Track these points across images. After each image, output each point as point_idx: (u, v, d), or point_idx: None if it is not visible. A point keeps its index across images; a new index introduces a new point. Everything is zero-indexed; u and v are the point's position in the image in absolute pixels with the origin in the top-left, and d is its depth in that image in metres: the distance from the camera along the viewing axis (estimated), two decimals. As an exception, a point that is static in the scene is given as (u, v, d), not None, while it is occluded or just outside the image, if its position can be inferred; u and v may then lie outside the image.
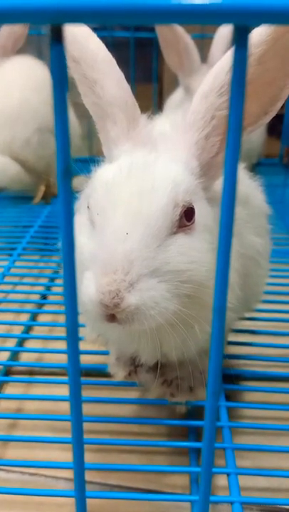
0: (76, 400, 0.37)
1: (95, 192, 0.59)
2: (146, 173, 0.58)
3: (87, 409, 0.80)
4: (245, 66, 0.30)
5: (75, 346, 0.35)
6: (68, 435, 0.77)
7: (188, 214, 0.59)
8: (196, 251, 0.58)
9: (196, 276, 0.58)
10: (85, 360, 0.90)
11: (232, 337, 0.92)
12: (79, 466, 0.40)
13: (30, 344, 1.02)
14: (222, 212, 0.33)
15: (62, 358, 0.93)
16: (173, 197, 0.57)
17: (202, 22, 0.28)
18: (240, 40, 0.29)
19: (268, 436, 0.78)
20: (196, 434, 0.79)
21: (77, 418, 0.37)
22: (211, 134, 0.62)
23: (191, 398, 0.75)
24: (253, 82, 0.60)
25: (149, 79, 1.80)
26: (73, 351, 0.35)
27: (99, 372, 0.85)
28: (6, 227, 1.41)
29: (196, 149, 0.63)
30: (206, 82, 0.61)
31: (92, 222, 0.59)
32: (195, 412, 0.80)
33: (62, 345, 0.94)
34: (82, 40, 0.64)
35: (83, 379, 0.89)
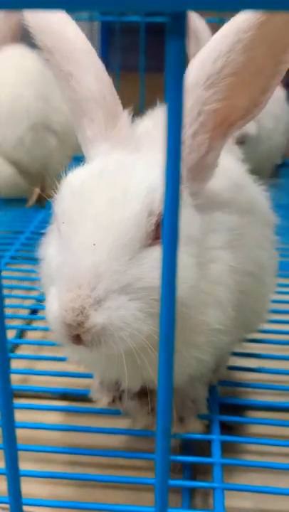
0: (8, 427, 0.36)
1: (62, 198, 0.59)
2: (119, 177, 0.58)
3: (72, 439, 0.81)
4: (183, 59, 0.29)
5: (6, 367, 0.34)
6: (51, 467, 0.78)
7: None
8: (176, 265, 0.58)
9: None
10: (69, 383, 0.91)
11: (236, 361, 0.90)
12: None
13: (14, 364, 1.03)
14: (164, 223, 0.32)
15: (50, 380, 0.94)
16: (148, 204, 0.56)
17: (132, 8, 0.28)
18: (175, 29, 0.29)
19: (272, 475, 0.77)
20: (190, 471, 0.78)
21: (10, 448, 0.37)
22: (199, 131, 0.62)
23: (180, 430, 0.74)
24: (242, 72, 0.60)
25: (162, 67, 1.80)
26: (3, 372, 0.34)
27: (83, 397, 0.84)
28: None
29: (182, 150, 0.62)
30: (190, 74, 0.61)
31: (59, 232, 0.59)
32: (190, 446, 0.79)
33: (49, 366, 0.95)
34: (57, 29, 0.65)
35: (66, 404, 0.89)
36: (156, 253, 0.57)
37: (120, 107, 0.66)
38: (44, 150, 1.45)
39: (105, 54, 2.33)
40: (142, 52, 1.73)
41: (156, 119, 0.66)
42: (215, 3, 0.28)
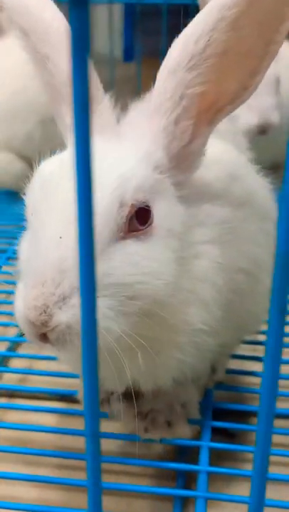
0: None
1: (32, 189, 0.59)
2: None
3: (64, 441, 0.81)
4: (87, 32, 0.28)
5: None
6: (41, 470, 0.78)
7: (141, 216, 0.57)
8: (151, 260, 0.56)
9: (148, 290, 0.56)
10: (69, 384, 0.91)
11: (238, 365, 0.88)
12: None
13: (14, 363, 1.04)
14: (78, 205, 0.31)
15: (49, 380, 0.94)
16: (118, 195, 0.55)
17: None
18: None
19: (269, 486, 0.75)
20: (184, 478, 0.76)
21: None
22: (182, 117, 0.60)
23: (167, 435, 0.73)
24: (228, 52, 0.58)
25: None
26: None
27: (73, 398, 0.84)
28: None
29: (164, 137, 0.61)
30: (171, 55, 0.59)
31: (29, 224, 0.59)
32: (185, 452, 0.78)
33: (49, 365, 0.95)
34: (34, 10, 0.64)
35: (63, 406, 0.89)
36: (130, 247, 0.56)
37: (101, 91, 0.65)
38: (54, 144, 1.45)
39: (129, 39, 2.32)
40: (164, 36, 1.71)
41: (138, 106, 0.65)
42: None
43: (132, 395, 0.72)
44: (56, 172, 0.58)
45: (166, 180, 0.61)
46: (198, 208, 0.64)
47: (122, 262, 0.55)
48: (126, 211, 0.55)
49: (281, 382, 0.87)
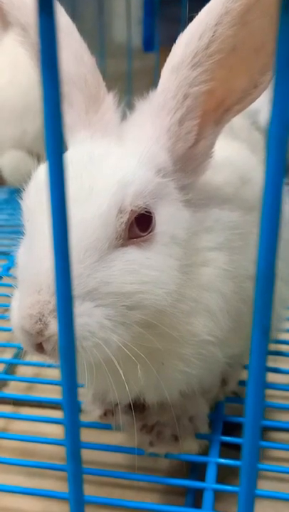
0: None
1: (28, 194, 0.59)
2: (88, 171, 0.57)
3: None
4: (54, 38, 0.28)
5: None
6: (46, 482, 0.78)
7: (142, 222, 0.57)
8: (152, 269, 0.57)
9: (149, 300, 0.56)
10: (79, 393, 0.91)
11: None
12: None
13: (22, 371, 1.05)
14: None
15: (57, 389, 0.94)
16: (117, 201, 0.55)
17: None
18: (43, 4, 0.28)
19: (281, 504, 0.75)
20: (193, 495, 0.76)
21: None
22: (186, 117, 0.60)
23: (173, 450, 0.73)
24: (236, 48, 0.57)
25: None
26: None
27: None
28: (7, 226, 1.45)
29: (168, 138, 0.61)
30: (175, 52, 0.59)
31: (25, 229, 0.60)
32: (196, 467, 0.78)
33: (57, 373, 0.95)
34: (32, 4, 0.64)
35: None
36: (130, 254, 0.56)
37: (104, 89, 0.65)
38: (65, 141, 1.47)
39: (149, 27, 2.31)
40: (183, 25, 1.70)
41: (143, 105, 0.65)
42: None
43: (137, 407, 0.72)
44: None
45: (170, 184, 0.61)
46: (205, 212, 0.64)
47: (122, 270, 0.55)
48: (125, 218, 0.56)
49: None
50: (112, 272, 0.55)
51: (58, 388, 0.95)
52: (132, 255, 0.56)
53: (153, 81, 1.81)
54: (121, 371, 0.56)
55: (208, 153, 0.63)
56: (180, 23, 1.88)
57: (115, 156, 0.59)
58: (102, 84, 0.66)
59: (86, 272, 0.54)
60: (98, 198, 0.55)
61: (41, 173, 0.60)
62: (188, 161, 0.62)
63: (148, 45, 2.29)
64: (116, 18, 2.33)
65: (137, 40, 2.31)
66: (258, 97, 0.61)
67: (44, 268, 0.53)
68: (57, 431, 0.87)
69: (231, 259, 0.65)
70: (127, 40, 1.90)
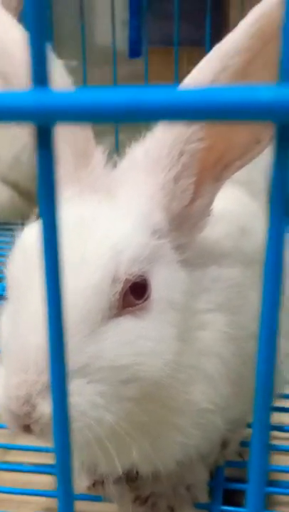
0: None
1: (12, 260, 0.61)
2: (78, 236, 0.58)
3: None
4: (52, 173, 0.31)
5: None
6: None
7: (137, 289, 0.59)
8: (148, 339, 0.59)
9: (145, 372, 0.58)
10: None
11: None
12: None
13: None
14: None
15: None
16: (111, 269, 0.57)
17: None
18: (42, 141, 0.31)
19: None
20: None
21: None
22: (181, 175, 0.63)
23: (170, 522, 0.75)
24: None
25: (202, 41, 1.74)
26: None
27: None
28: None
29: (163, 196, 0.63)
30: None
31: (9, 296, 0.61)
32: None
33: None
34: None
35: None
36: (124, 325, 0.58)
37: (92, 142, 0.68)
38: None
39: (135, 29, 2.31)
40: (176, 22, 1.71)
41: (133, 156, 0.67)
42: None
43: (129, 477, 0.75)
44: (39, 244, 0.60)
45: (166, 245, 0.63)
46: (202, 271, 0.66)
47: (116, 342, 0.57)
48: (119, 287, 0.58)
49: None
50: (104, 345, 0.57)
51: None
52: (127, 325, 0.58)
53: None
54: (111, 448, 0.58)
55: (205, 212, 0.66)
56: (172, 21, 1.88)
57: (107, 217, 0.61)
58: (91, 136, 0.68)
59: (77, 347, 0.56)
60: (90, 267, 0.57)
61: (27, 239, 0.62)
62: (184, 219, 0.65)
63: (134, 50, 2.29)
64: (98, 18, 2.35)
65: (122, 43, 2.32)
66: (260, 152, 0.64)
67: (30, 344, 0.55)
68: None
69: (231, 319, 0.68)
70: (111, 44, 1.92)
